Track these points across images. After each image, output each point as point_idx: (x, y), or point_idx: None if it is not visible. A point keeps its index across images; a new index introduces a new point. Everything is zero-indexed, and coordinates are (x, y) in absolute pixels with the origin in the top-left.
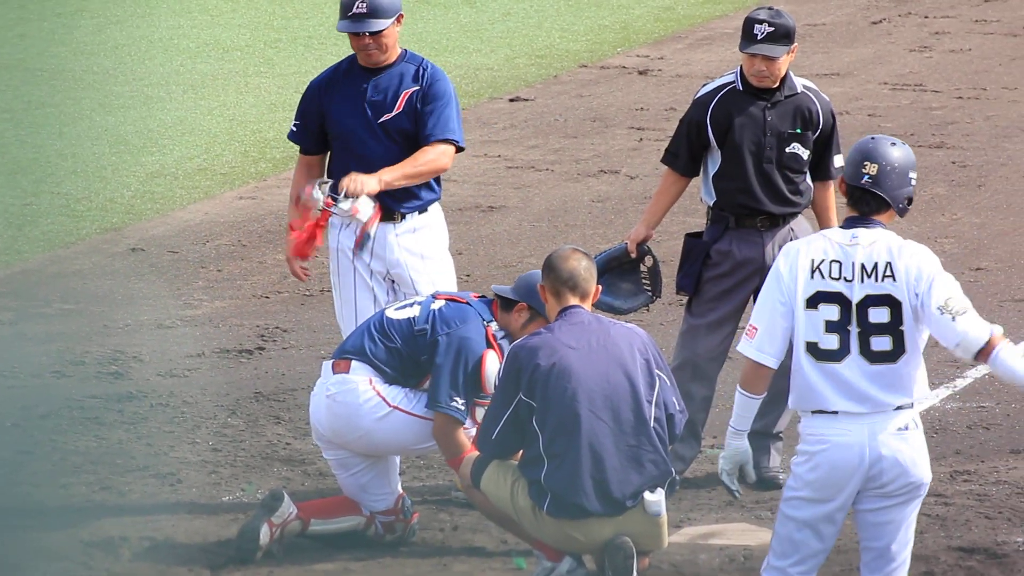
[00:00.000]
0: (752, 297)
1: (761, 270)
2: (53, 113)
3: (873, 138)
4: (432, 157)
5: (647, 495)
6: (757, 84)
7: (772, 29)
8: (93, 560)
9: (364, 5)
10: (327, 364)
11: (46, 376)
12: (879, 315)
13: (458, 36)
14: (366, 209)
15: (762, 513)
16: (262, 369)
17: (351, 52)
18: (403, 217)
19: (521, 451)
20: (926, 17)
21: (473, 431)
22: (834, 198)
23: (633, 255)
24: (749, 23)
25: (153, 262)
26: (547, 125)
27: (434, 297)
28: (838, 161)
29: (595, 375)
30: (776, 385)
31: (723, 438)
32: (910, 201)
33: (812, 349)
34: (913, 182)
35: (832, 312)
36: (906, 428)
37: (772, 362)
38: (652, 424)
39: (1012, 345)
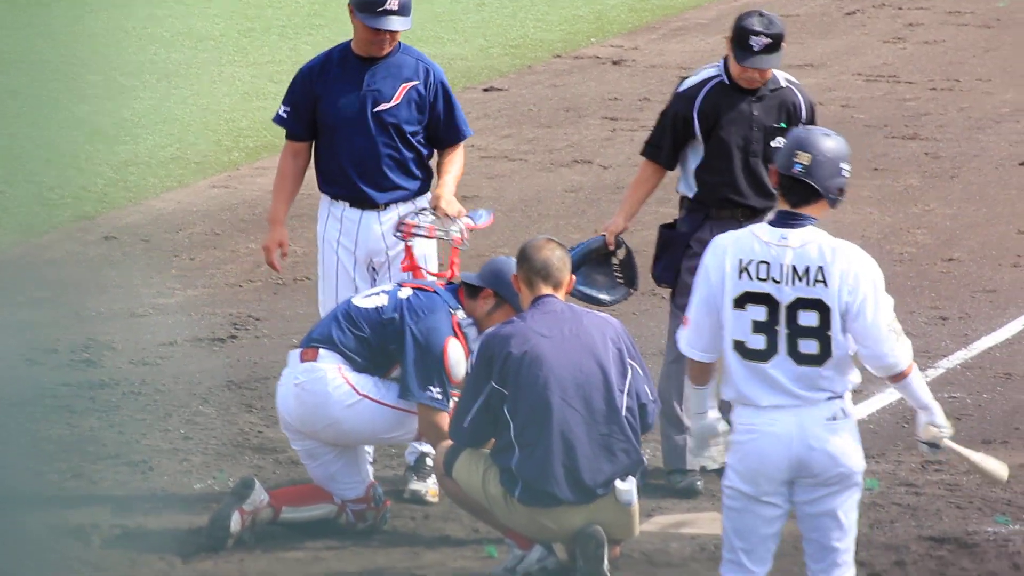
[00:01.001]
0: None
1: None
2: (27, 102)
3: (807, 128)
4: (463, 160)
5: (618, 483)
6: (747, 87)
7: (769, 41)
8: (65, 548)
9: (396, 2)
10: (294, 353)
11: (18, 364)
12: (808, 319)
13: (432, 26)
14: (463, 226)
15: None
16: (234, 357)
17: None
18: (386, 207)
19: (493, 440)
20: (900, 8)
21: None
22: None
23: (611, 247)
24: (744, 34)
25: (126, 251)
26: (521, 115)
27: (400, 285)
28: None
29: (567, 364)
30: None
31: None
32: (842, 192)
33: (739, 348)
34: (845, 173)
35: (760, 313)
36: (834, 418)
37: (703, 357)
38: (624, 413)
39: (919, 371)
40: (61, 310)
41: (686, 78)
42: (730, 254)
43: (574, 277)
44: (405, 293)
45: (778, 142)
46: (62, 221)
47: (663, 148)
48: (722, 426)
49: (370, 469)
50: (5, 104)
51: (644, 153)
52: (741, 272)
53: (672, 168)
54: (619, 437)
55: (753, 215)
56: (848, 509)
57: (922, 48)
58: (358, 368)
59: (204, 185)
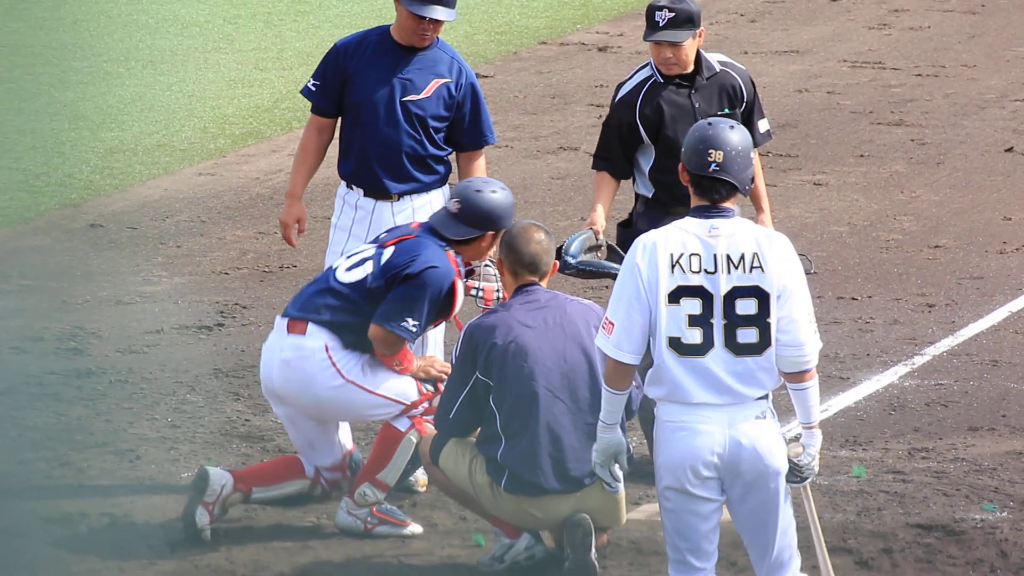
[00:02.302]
0: None
1: None
2: (11, 88)
3: (710, 123)
4: (483, 166)
5: None
6: (666, 72)
7: (673, 15)
8: (52, 536)
9: None
10: (281, 321)
11: (4, 352)
12: (746, 307)
13: None
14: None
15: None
16: (221, 345)
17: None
18: (400, 197)
19: (479, 429)
20: None
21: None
22: (759, 165)
23: (599, 235)
24: (650, 11)
25: (112, 238)
26: (506, 102)
27: (382, 246)
28: (763, 126)
29: (552, 353)
30: None
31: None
32: (752, 180)
33: (675, 344)
34: (752, 161)
35: (694, 306)
36: (763, 416)
37: (631, 359)
38: None
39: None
40: (47, 298)
41: (623, 84)
42: (660, 250)
43: (557, 263)
44: (388, 253)
45: None
46: (47, 208)
47: (613, 159)
48: (624, 444)
49: (350, 437)
50: None
51: (596, 167)
52: (673, 267)
53: (626, 178)
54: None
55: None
56: (784, 510)
57: (907, 34)
58: (346, 344)
59: (190, 172)
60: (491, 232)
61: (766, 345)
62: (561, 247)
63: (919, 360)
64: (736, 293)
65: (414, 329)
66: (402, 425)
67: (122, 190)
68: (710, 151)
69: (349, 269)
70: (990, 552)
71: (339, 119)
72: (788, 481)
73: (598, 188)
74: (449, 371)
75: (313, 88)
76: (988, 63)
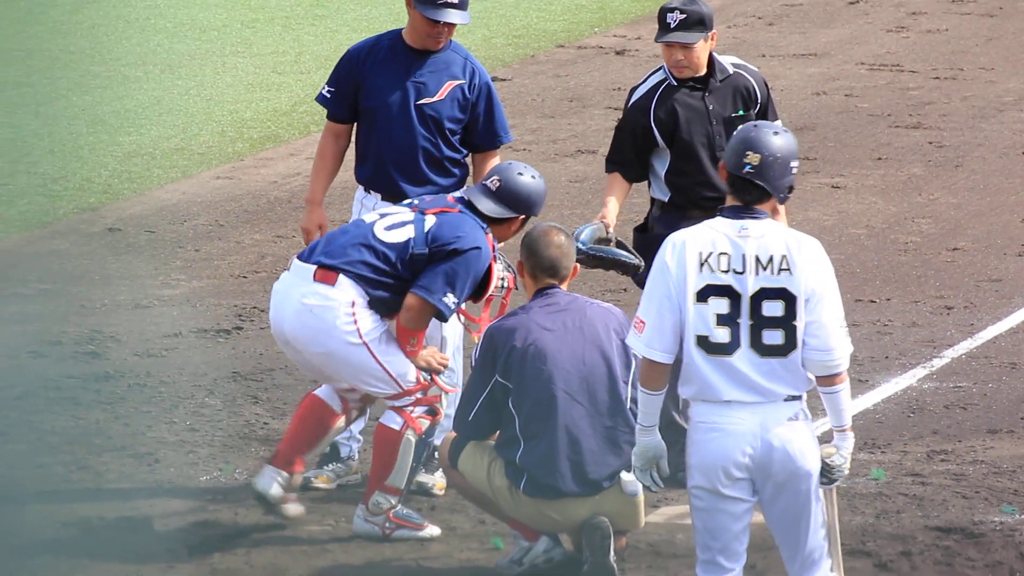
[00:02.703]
0: None
1: None
2: (29, 93)
3: (756, 125)
4: None
5: (623, 475)
6: (678, 74)
7: (684, 16)
8: (70, 540)
9: None
10: (305, 267)
11: (22, 356)
12: (773, 308)
13: None
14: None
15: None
16: (240, 349)
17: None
18: None
19: (498, 432)
20: None
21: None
22: None
23: (610, 231)
24: (662, 13)
25: (130, 242)
26: (524, 105)
27: (423, 213)
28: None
29: (571, 356)
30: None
31: None
32: (791, 190)
33: (703, 343)
34: (795, 171)
35: (722, 305)
36: (796, 418)
37: (663, 358)
38: (628, 405)
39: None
40: (65, 302)
41: (636, 88)
42: (689, 249)
43: (578, 267)
44: (430, 222)
45: None
46: (66, 212)
47: (627, 163)
48: (664, 448)
49: None
50: (8, 95)
51: (608, 169)
52: (702, 265)
53: (638, 181)
54: (623, 429)
55: None
56: (816, 511)
57: (925, 37)
58: (373, 304)
59: (208, 176)
60: (523, 216)
61: (791, 348)
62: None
63: (937, 362)
64: (763, 294)
65: (452, 305)
66: (395, 424)
67: (140, 194)
68: (747, 152)
69: (389, 228)
70: (1009, 555)
71: (355, 124)
72: (820, 483)
73: (610, 187)
74: (447, 364)
75: (328, 95)
76: (1006, 66)
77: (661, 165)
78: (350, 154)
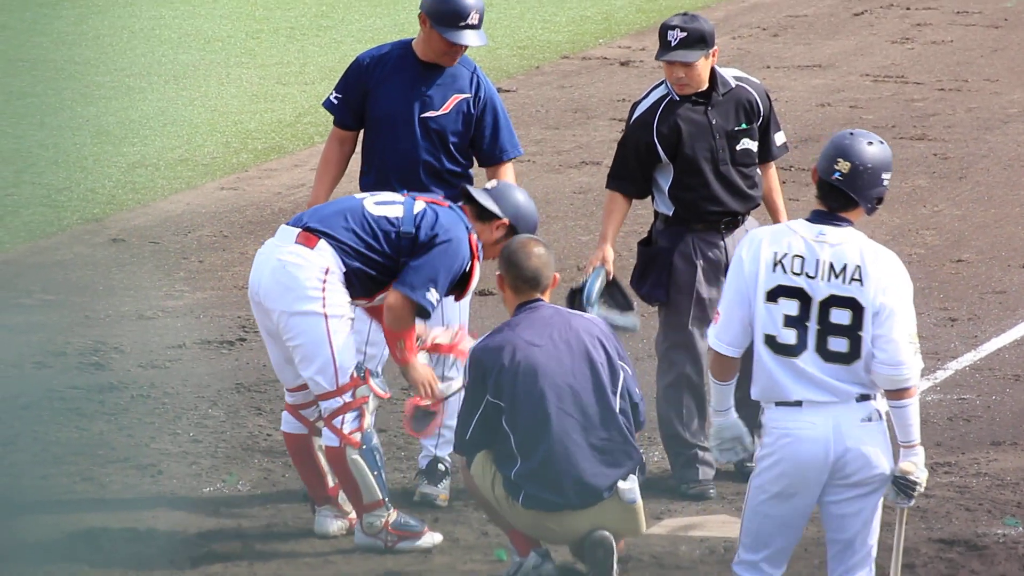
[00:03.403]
0: (718, 297)
1: (725, 270)
2: (34, 103)
3: (852, 133)
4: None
5: (620, 483)
6: (679, 92)
7: (685, 35)
8: (74, 551)
9: (477, 16)
10: (289, 230)
11: (27, 367)
12: (840, 316)
13: None
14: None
15: (742, 505)
16: (243, 360)
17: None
18: None
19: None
20: (908, 9)
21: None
22: (777, 179)
23: (611, 276)
24: (663, 30)
25: (134, 253)
26: (529, 116)
27: (414, 199)
28: (779, 139)
29: (561, 371)
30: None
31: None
32: (880, 200)
33: (770, 342)
34: (886, 182)
35: (791, 307)
36: (869, 419)
37: (730, 351)
38: (619, 415)
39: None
40: (69, 313)
41: (638, 103)
42: (765, 247)
43: (557, 276)
44: (420, 206)
45: (744, 144)
46: (70, 223)
47: (630, 179)
48: (743, 426)
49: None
50: (12, 106)
51: (610, 187)
52: (775, 265)
53: (640, 198)
54: (617, 440)
55: (734, 222)
56: (874, 512)
57: (930, 48)
58: (348, 276)
59: (212, 187)
60: (507, 222)
61: (855, 357)
62: (581, 291)
63: (941, 374)
64: (832, 301)
65: (435, 302)
66: (333, 441)
67: (144, 205)
68: (839, 159)
69: (379, 204)
70: (1012, 567)
71: (360, 132)
72: (893, 499)
73: (608, 213)
74: (438, 393)
75: (335, 101)
76: (1011, 77)
77: (665, 180)
78: (355, 163)
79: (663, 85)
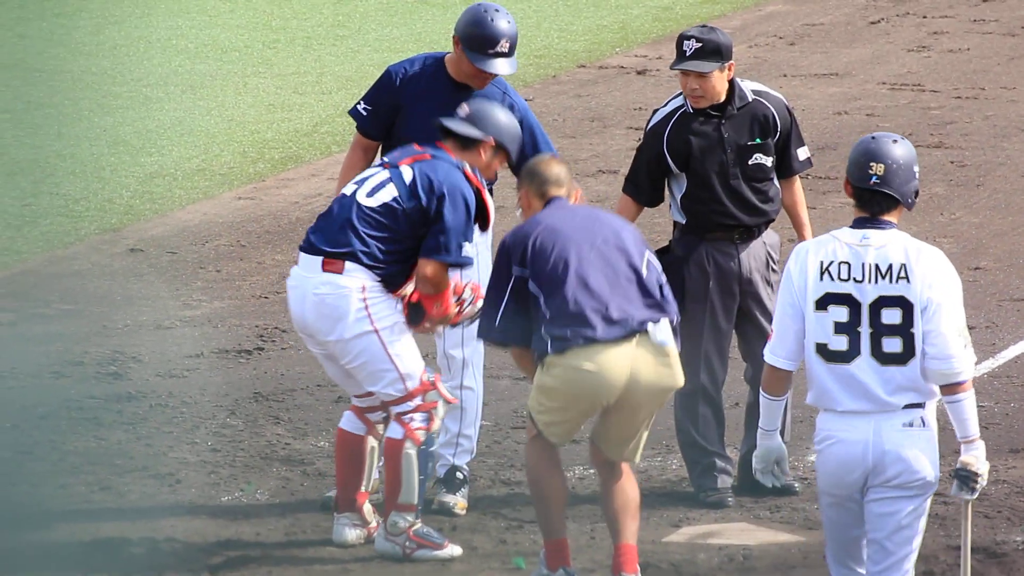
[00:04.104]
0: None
1: (739, 280)
2: (52, 114)
3: (873, 137)
4: None
5: (651, 325)
6: (693, 104)
7: (700, 45)
8: (92, 561)
9: (507, 45)
10: (313, 259)
11: (45, 376)
12: (891, 316)
13: None
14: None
15: (761, 513)
16: (261, 369)
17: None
18: None
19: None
20: (924, 17)
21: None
22: (802, 193)
23: None
24: (679, 40)
25: (152, 262)
26: (546, 125)
27: (396, 166)
28: (802, 154)
29: (584, 232)
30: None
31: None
32: (917, 194)
33: (822, 350)
34: (918, 175)
35: (841, 314)
36: (911, 425)
37: (786, 364)
38: (646, 276)
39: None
40: (87, 322)
41: (656, 111)
42: (811, 257)
43: (580, 190)
44: (409, 174)
45: (757, 159)
46: (87, 233)
47: (642, 186)
48: (785, 449)
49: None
50: (29, 116)
51: (626, 191)
52: (822, 274)
53: (652, 206)
54: (644, 293)
55: (748, 233)
56: (914, 516)
57: (947, 56)
58: (382, 276)
59: (229, 197)
60: (491, 143)
61: (910, 356)
62: None
63: None
64: (882, 302)
65: (470, 253)
66: (397, 433)
67: (162, 215)
68: (871, 164)
69: (371, 194)
70: None
71: (381, 143)
72: (956, 492)
73: (620, 213)
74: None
75: (364, 112)
76: None
77: (678, 189)
78: None
79: (680, 96)
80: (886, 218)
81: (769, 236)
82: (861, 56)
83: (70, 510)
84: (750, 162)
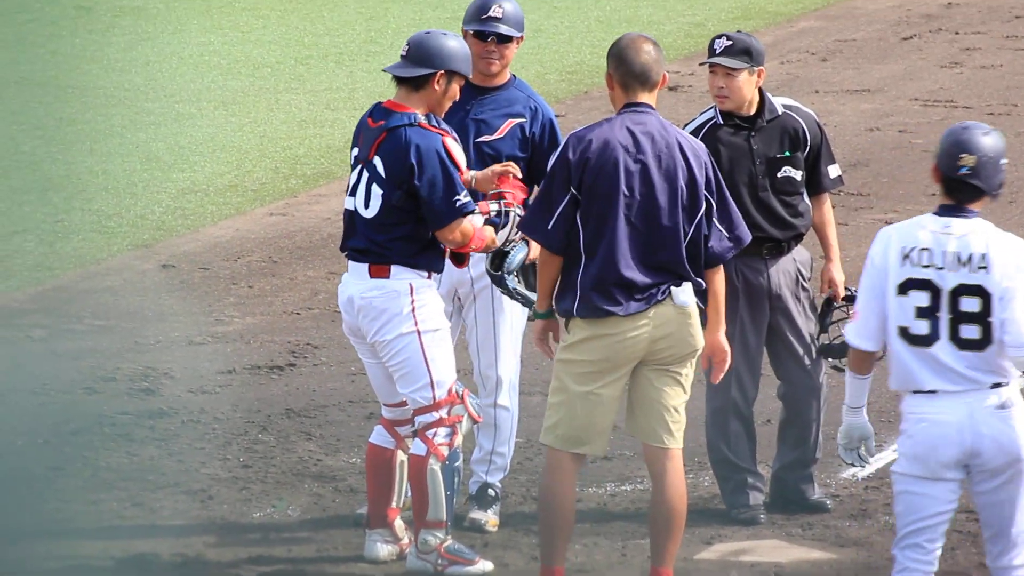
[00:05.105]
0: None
1: (768, 296)
2: (84, 130)
3: (965, 127)
4: None
5: (673, 288)
6: (719, 106)
7: (730, 43)
8: None
9: (500, 10)
10: (360, 266)
11: (77, 392)
12: (970, 304)
13: None
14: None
15: (793, 530)
16: (293, 386)
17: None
18: None
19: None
20: (957, 33)
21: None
22: (831, 212)
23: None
24: (712, 41)
25: (184, 278)
26: None
27: (369, 160)
28: (833, 172)
29: (642, 181)
30: (802, 416)
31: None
32: (1001, 186)
33: (903, 333)
34: (1005, 168)
35: (922, 299)
36: (1003, 406)
37: (870, 346)
38: (685, 243)
39: None
40: (119, 338)
41: (686, 125)
42: (894, 242)
43: (667, 75)
44: (379, 163)
45: (786, 172)
46: (120, 249)
47: None
48: (871, 428)
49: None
50: (62, 132)
51: None
52: (904, 259)
53: None
54: (675, 264)
55: (777, 247)
56: (1020, 492)
57: (979, 73)
58: (426, 263)
59: (262, 213)
60: (441, 72)
61: (988, 343)
62: (506, 255)
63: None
64: (961, 290)
65: (466, 199)
66: (420, 450)
67: (194, 231)
68: (961, 155)
69: (367, 204)
70: None
71: None
72: None
73: None
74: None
75: None
76: None
77: None
78: None
79: (712, 109)
80: (968, 207)
81: (800, 253)
82: (893, 72)
83: (102, 526)
84: (779, 175)
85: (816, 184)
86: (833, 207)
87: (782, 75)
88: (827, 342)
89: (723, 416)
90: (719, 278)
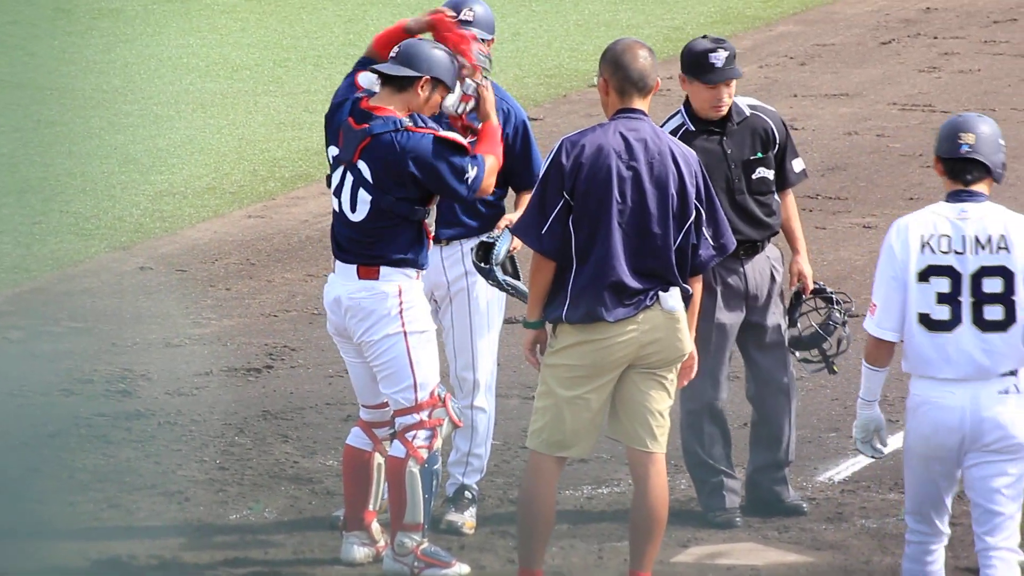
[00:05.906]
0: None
1: (745, 296)
2: (62, 132)
3: (960, 115)
4: None
5: (661, 292)
6: (715, 116)
7: (728, 53)
8: None
9: (472, 13)
10: (348, 267)
11: (54, 394)
12: (992, 285)
13: None
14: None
15: (769, 533)
16: (270, 388)
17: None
18: (449, 242)
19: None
20: (935, 38)
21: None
22: (795, 206)
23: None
24: (703, 56)
25: (161, 280)
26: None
27: (353, 163)
28: (797, 166)
29: (634, 191)
30: (774, 416)
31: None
32: (1004, 167)
33: (924, 320)
34: (1004, 148)
35: (943, 284)
36: (1007, 392)
37: (892, 336)
38: (674, 249)
39: None
40: (97, 340)
41: None
42: (913, 230)
43: (660, 81)
44: (365, 168)
45: (760, 172)
46: (98, 251)
47: None
48: (882, 419)
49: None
50: (40, 134)
51: None
52: (923, 247)
53: None
54: (664, 271)
55: (753, 248)
56: (1015, 478)
57: (957, 77)
58: (414, 261)
59: (240, 215)
60: (426, 78)
61: (1011, 322)
62: (492, 246)
63: None
64: (983, 272)
65: (474, 169)
66: (399, 452)
67: (172, 233)
68: (960, 134)
69: (354, 208)
70: None
71: None
72: None
73: None
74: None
75: None
76: None
77: None
78: None
79: (679, 115)
80: (977, 189)
81: (771, 251)
82: (872, 76)
83: (78, 528)
84: (754, 176)
85: (783, 180)
86: (810, 211)
87: (761, 79)
88: (796, 334)
89: (698, 418)
90: (699, 286)
